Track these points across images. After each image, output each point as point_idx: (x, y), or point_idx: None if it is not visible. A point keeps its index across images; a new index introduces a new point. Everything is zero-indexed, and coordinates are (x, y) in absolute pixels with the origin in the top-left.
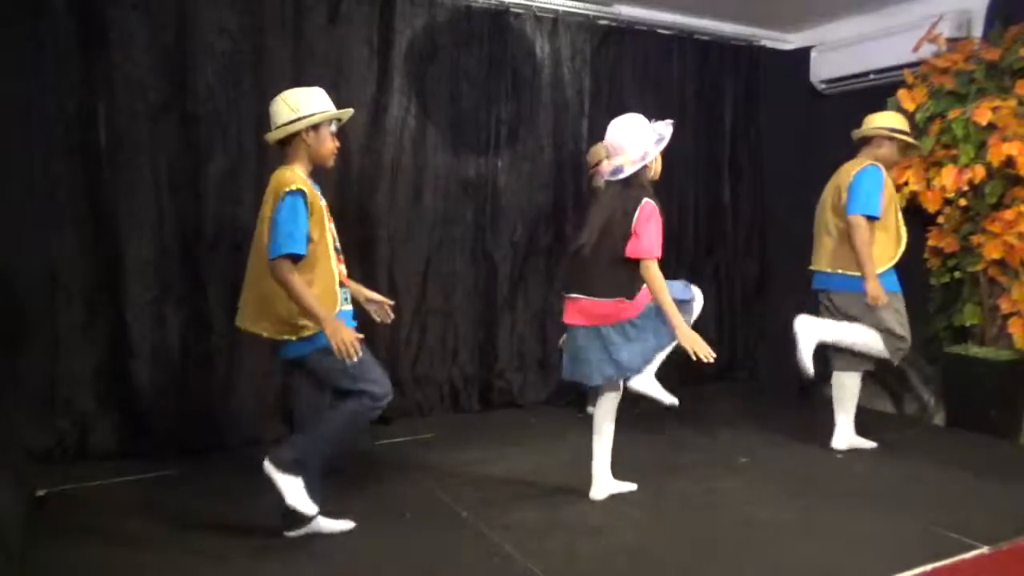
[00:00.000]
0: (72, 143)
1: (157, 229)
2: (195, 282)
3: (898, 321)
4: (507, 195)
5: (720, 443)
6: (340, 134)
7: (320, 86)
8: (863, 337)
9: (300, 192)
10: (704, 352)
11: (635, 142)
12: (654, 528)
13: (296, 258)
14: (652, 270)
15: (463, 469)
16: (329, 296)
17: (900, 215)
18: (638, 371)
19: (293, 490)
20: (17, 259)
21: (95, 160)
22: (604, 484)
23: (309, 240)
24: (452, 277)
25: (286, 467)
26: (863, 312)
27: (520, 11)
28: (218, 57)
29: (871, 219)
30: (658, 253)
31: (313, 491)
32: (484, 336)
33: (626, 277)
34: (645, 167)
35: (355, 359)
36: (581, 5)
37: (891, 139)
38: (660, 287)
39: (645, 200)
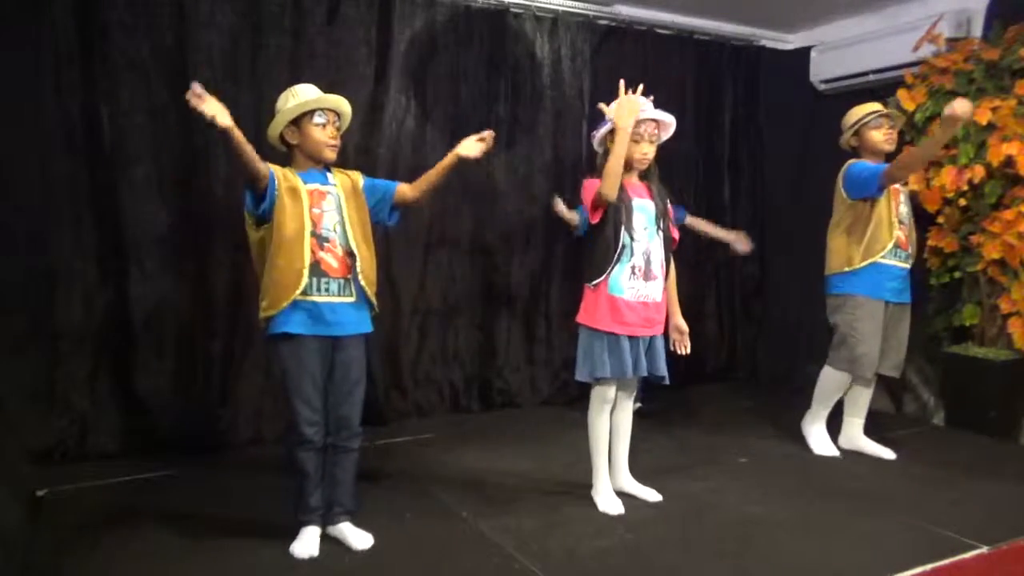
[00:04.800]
0: (72, 143)
1: (158, 229)
2: (195, 282)
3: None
4: (506, 194)
5: (720, 443)
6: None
7: (319, 86)
8: (822, 383)
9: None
10: None
11: (609, 114)
12: (654, 528)
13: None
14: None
15: (463, 469)
16: (290, 277)
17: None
18: (584, 379)
19: (301, 542)
20: (17, 259)
21: (95, 160)
22: (598, 487)
23: (276, 228)
24: (451, 277)
25: (298, 523)
26: (833, 314)
27: (520, 11)
28: (218, 57)
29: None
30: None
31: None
32: (484, 336)
33: (585, 261)
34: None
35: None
36: (581, 5)
37: (857, 135)
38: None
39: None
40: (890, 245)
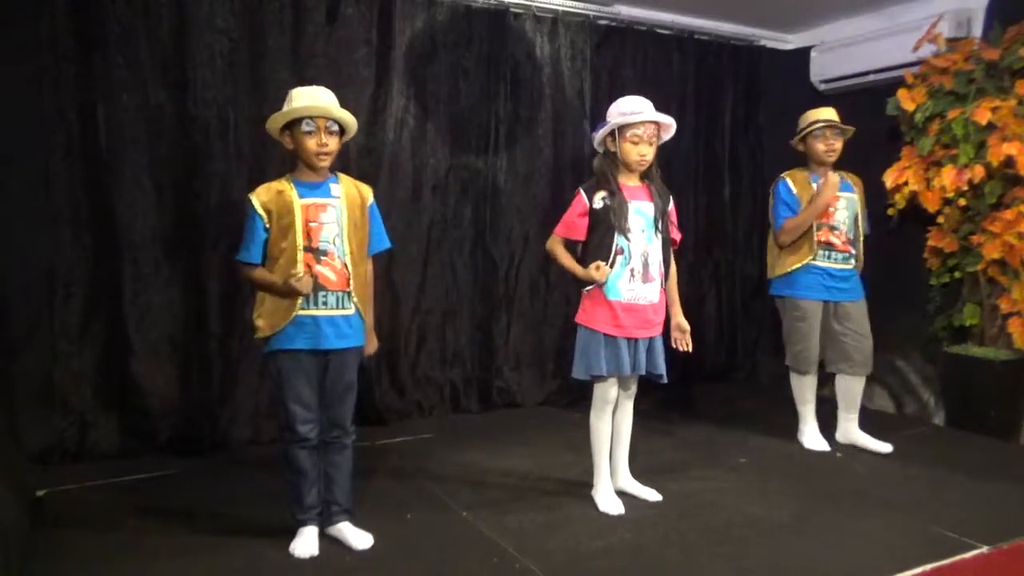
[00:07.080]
0: (72, 143)
1: (156, 229)
2: (195, 282)
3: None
4: (506, 195)
5: (720, 443)
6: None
7: (319, 86)
8: (791, 385)
9: (249, 203)
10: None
11: (609, 115)
12: (654, 528)
13: (248, 263)
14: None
15: (463, 469)
16: (285, 299)
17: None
18: (581, 377)
19: (300, 541)
20: (17, 259)
21: (95, 160)
22: (599, 486)
23: (270, 244)
24: (451, 277)
25: (296, 523)
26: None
27: (520, 11)
28: (218, 57)
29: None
30: (559, 231)
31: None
32: (484, 336)
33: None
34: (615, 149)
35: (301, 281)
36: (581, 5)
37: (803, 141)
38: (550, 252)
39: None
40: (816, 251)
